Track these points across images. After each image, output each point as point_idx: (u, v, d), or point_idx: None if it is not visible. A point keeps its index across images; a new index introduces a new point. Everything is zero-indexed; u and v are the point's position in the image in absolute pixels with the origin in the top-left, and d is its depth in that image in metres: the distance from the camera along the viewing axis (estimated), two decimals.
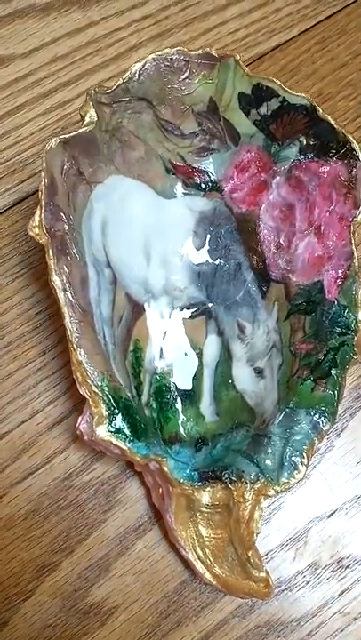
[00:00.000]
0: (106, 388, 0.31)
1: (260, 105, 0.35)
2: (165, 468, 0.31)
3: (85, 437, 0.31)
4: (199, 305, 0.37)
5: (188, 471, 0.32)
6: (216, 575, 0.33)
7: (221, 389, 0.36)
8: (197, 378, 0.37)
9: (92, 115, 0.33)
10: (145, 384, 0.36)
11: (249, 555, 0.32)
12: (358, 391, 0.38)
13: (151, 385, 0.36)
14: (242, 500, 0.32)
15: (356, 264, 0.34)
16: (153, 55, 0.34)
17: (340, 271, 0.34)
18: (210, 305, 0.37)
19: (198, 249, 0.37)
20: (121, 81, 0.34)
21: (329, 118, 0.34)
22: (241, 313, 0.37)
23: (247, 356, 0.36)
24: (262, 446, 0.32)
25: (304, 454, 0.32)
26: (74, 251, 0.32)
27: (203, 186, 0.38)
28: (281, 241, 0.36)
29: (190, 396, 0.36)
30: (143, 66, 0.34)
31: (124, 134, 0.35)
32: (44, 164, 0.32)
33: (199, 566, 0.33)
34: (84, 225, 0.34)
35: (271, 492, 0.32)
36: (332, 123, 0.34)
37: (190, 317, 0.37)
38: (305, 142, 0.36)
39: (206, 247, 0.38)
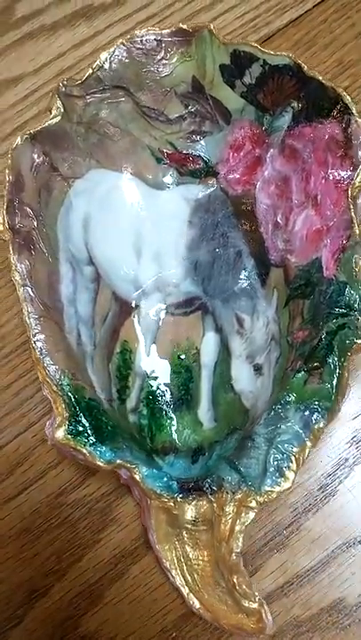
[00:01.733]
0: (67, 388, 0.28)
1: (243, 74, 0.32)
2: (137, 477, 0.27)
3: (49, 442, 0.29)
4: (195, 300, 0.33)
5: (165, 480, 0.28)
6: (205, 605, 0.28)
7: (220, 392, 0.32)
8: (195, 381, 0.33)
9: (57, 107, 0.32)
10: (134, 388, 0.32)
11: (234, 580, 0.27)
12: None
13: (142, 390, 0.33)
14: (221, 514, 0.27)
15: (357, 232, 0.29)
16: (122, 39, 0.32)
17: (338, 243, 0.29)
18: (206, 299, 0.33)
19: (194, 239, 0.34)
20: (91, 71, 0.32)
21: (317, 75, 0.30)
22: (240, 305, 0.33)
23: (246, 352, 0.32)
24: (245, 450, 0.28)
25: (292, 458, 0.27)
26: (40, 246, 0.31)
27: (198, 172, 0.35)
28: (278, 219, 0.32)
29: (187, 402, 0.33)
30: (113, 52, 0.32)
31: (102, 126, 0.34)
32: (9, 161, 0.31)
33: (186, 592, 0.29)
34: (61, 221, 0.32)
35: (253, 504, 0.27)
36: (321, 79, 0.30)
37: (185, 314, 0.34)
38: (297, 107, 0.31)
39: (203, 236, 0.34)
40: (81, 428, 0.28)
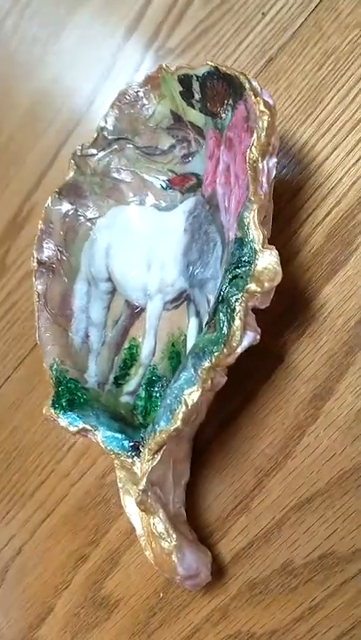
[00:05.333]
0: (54, 371, 0.36)
1: (192, 93, 0.37)
2: (98, 438, 0.33)
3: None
4: (183, 293, 0.37)
5: (120, 440, 0.33)
6: (152, 552, 0.30)
7: None
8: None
9: (71, 166, 0.41)
10: (136, 376, 0.37)
11: (149, 521, 0.29)
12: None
13: (144, 376, 0.37)
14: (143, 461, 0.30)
15: (251, 191, 0.30)
16: (112, 101, 0.41)
17: (240, 205, 0.31)
18: (189, 290, 0.37)
19: (188, 244, 0.38)
20: (96, 133, 0.41)
21: (225, 69, 0.34)
22: (209, 288, 0.36)
23: None
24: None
25: (182, 399, 0.29)
26: (60, 271, 0.40)
27: (193, 187, 0.40)
28: (226, 204, 0.35)
29: None
30: (108, 114, 0.41)
31: (114, 172, 0.42)
32: (42, 214, 0.41)
33: (142, 541, 0.31)
34: (85, 252, 0.41)
35: (152, 445, 0.29)
36: (226, 70, 0.34)
37: (176, 307, 0.38)
38: (232, 103, 0.35)
39: (193, 239, 0.38)
40: (60, 402, 0.34)
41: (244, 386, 0.33)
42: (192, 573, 0.29)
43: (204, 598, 0.31)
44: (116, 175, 0.42)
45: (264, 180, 0.31)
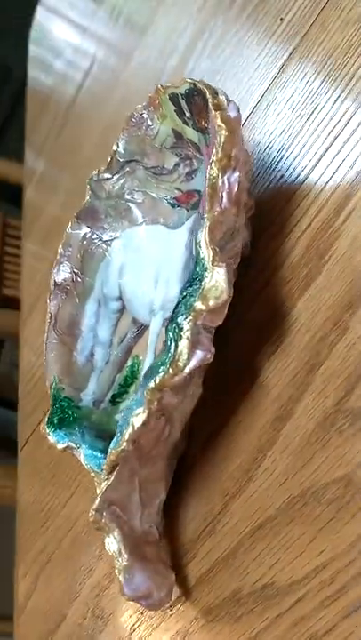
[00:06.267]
0: (52, 390, 0.37)
1: (182, 110, 0.37)
2: (80, 457, 0.34)
3: None
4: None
5: (99, 459, 0.33)
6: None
7: None
8: None
9: (88, 191, 0.43)
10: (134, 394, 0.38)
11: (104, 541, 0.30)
12: None
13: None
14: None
15: (206, 209, 0.30)
16: (122, 126, 0.42)
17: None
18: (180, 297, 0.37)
19: (188, 259, 0.38)
20: (110, 157, 0.43)
21: (199, 85, 0.34)
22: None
23: None
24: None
25: (130, 421, 0.29)
26: (74, 292, 0.41)
27: (196, 203, 0.40)
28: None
29: None
30: (120, 138, 0.42)
31: (128, 193, 0.43)
32: (63, 238, 0.43)
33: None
34: (100, 273, 0.42)
35: (104, 466, 0.29)
36: (199, 86, 0.33)
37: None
38: None
39: (190, 253, 0.38)
40: (52, 420, 0.36)
41: (224, 403, 0.33)
42: (140, 595, 0.29)
43: (171, 619, 0.31)
44: (128, 197, 0.43)
45: (225, 194, 0.31)
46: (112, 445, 0.29)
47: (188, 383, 0.30)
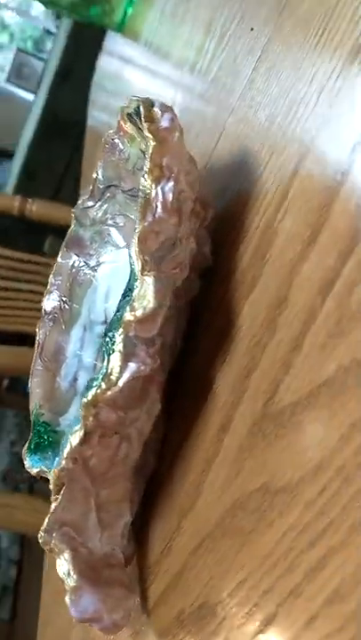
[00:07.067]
0: (33, 415, 0.38)
1: (140, 129, 0.37)
2: (50, 480, 0.34)
3: None
4: None
5: None
6: None
7: None
8: None
9: (72, 220, 0.44)
10: None
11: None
12: None
13: None
14: None
15: (138, 220, 0.30)
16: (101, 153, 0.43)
17: None
18: None
19: None
20: (91, 186, 0.43)
21: (139, 99, 0.34)
22: None
23: None
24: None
25: (69, 438, 0.28)
26: (61, 319, 0.42)
27: None
28: None
29: None
30: (98, 172, 0.43)
31: (110, 219, 0.43)
32: (54, 268, 0.44)
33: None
34: (87, 299, 0.43)
35: (51, 487, 0.29)
36: (138, 100, 0.34)
37: None
38: None
39: None
40: (30, 445, 0.36)
41: (186, 416, 0.32)
42: (87, 617, 0.28)
43: None
44: (111, 222, 0.43)
45: (159, 204, 0.30)
46: (54, 465, 0.29)
47: (133, 398, 0.30)
